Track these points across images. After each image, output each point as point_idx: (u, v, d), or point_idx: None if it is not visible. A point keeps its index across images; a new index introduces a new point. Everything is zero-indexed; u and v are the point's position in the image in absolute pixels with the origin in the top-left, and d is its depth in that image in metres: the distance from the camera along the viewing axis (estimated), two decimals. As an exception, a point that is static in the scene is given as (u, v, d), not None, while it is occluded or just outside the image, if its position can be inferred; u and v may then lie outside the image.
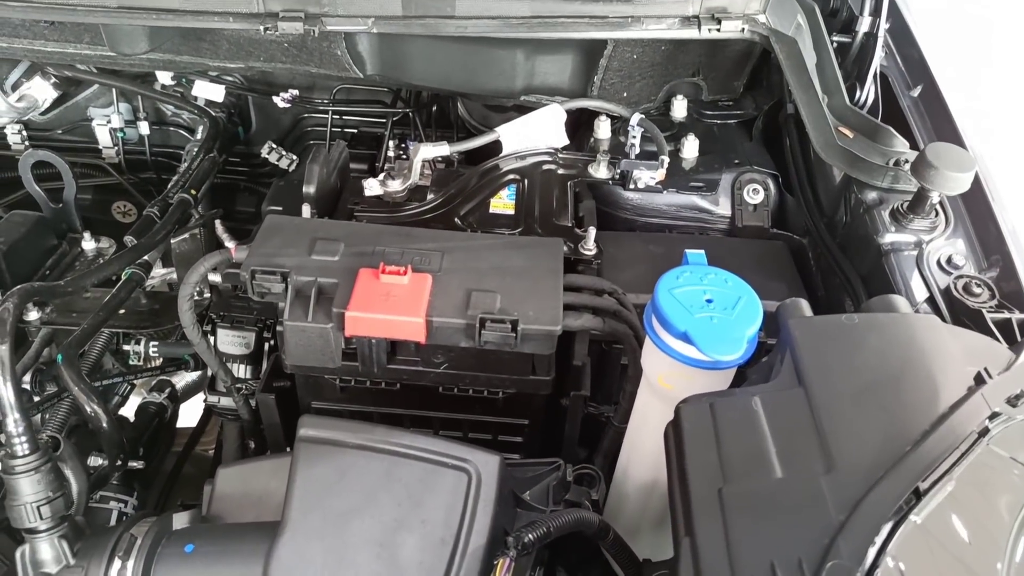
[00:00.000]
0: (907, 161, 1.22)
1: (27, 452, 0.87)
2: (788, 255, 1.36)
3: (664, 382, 0.96)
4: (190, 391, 1.71)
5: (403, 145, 1.84)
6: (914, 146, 1.27)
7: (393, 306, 0.97)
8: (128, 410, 1.55)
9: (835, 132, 1.25)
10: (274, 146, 1.93)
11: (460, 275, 1.03)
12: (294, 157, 1.94)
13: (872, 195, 1.22)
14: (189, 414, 1.72)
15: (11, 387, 0.87)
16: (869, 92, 1.35)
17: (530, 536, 0.86)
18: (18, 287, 0.95)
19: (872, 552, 0.64)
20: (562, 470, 1.03)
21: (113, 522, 1.31)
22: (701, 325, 0.88)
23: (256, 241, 1.06)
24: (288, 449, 1.21)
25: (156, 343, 1.51)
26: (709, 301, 0.91)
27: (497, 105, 1.76)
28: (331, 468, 0.93)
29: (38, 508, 0.87)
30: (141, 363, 1.58)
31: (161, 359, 1.59)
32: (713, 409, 0.82)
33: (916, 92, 1.38)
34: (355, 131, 1.95)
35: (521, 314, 0.98)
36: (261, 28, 1.06)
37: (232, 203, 2.07)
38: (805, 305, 0.91)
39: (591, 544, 1.03)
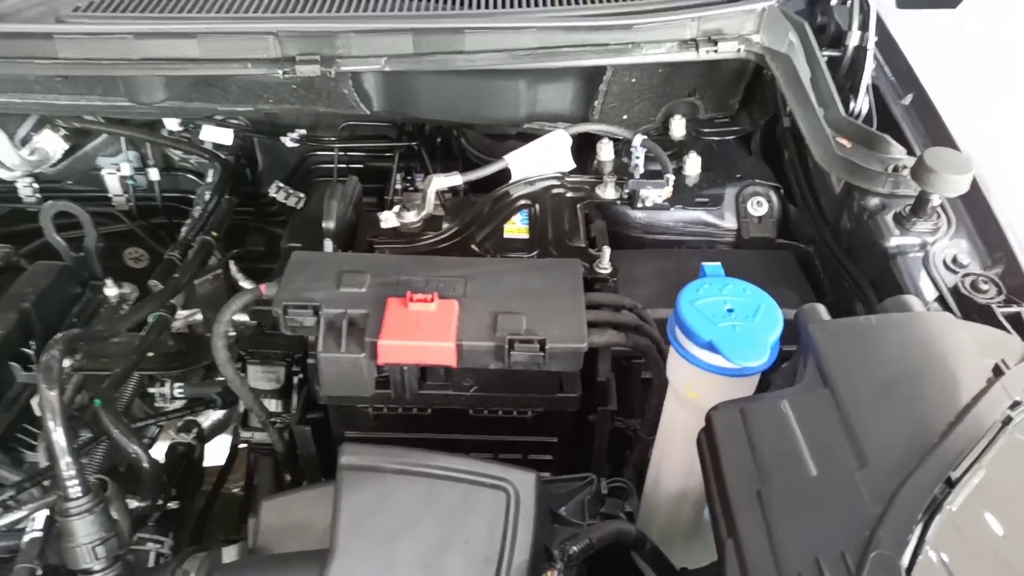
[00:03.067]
0: (905, 167, 1.26)
1: (80, 494, 0.90)
2: (795, 263, 1.40)
3: (691, 392, 0.99)
4: (216, 430, 1.73)
5: (409, 178, 1.89)
6: (910, 152, 1.32)
7: (423, 333, 1.01)
8: (156, 452, 1.57)
9: (834, 143, 1.29)
10: (281, 185, 1.98)
11: (485, 299, 1.07)
12: (301, 195, 1.99)
13: (874, 201, 1.26)
14: (213, 453, 1.74)
15: (62, 430, 0.89)
16: (863, 103, 1.40)
17: (574, 548, 0.88)
18: (61, 335, 0.98)
19: (912, 540, 0.67)
20: (596, 484, 1.06)
21: (151, 563, 1.33)
22: (725, 334, 0.91)
23: (285, 277, 1.09)
24: (324, 479, 1.23)
25: (180, 385, 1.54)
26: (730, 311, 0.94)
27: (499, 134, 1.81)
28: (374, 493, 0.96)
29: (93, 549, 0.90)
30: (167, 405, 1.61)
31: (186, 400, 1.61)
32: (744, 414, 0.85)
33: (907, 100, 1.44)
34: (361, 166, 2.00)
35: (547, 333, 1.02)
36: (280, 72, 1.10)
37: (242, 243, 2.10)
38: (823, 309, 0.95)
39: (624, 558, 1.06)
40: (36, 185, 2.01)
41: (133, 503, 1.21)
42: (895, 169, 1.27)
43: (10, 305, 1.26)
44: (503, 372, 1.05)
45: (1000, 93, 3.62)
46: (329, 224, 1.26)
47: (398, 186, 1.85)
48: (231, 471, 1.70)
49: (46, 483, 1.06)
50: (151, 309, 1.19)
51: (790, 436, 0.81)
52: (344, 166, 1.98)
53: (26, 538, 1.02)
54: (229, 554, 0.96)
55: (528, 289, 1.09)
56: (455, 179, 1.39)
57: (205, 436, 1.60)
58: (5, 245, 1.48)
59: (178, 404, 1.62)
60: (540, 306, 1.06)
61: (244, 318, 1.25)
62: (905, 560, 0.66)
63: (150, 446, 1.56)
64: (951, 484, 0.71)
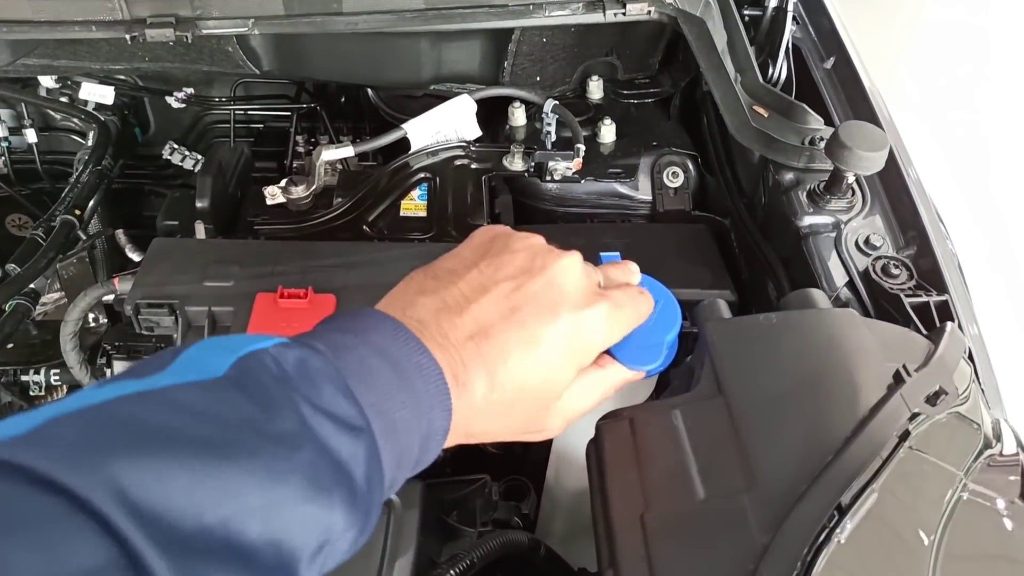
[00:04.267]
0: (822, 139, 1.20)
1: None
2: (710, 238, 1.34)
3: (585, 393, 0.92)
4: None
5: (313, 140, 1.76)
6: (828, 122, 1.25)
7: (294, 333, 0.91)
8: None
9: (749, 112, 1.22)
10: (176, 146, 1.82)
11: (365, 292, 0.98)
12: (199, 156, 1.84)
13: (789, 176, 1.20)
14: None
15: None
16: (782, 67, 1.32)
17: (452, 572, 0.82)
18: None
19: (796, 577, 0.62)
20: (488, 487, 0.99)
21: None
22: (618, 335, 0.84)
23: (142, 269, 0.98)
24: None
25: (57, 371, 1.42)
26: (625, 308, 0.87)
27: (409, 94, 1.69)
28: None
29: None
30: (43, 393, 1.49)
31: (65, 387, 1.50)
32: (633, 425, 0.79)
33: (829, 64, 1.36)
34: (261, 126, 1.86)
35: (432, 331, 0.93)
36: (127, 37, 0.96)
37: (137, 208, 1.95)
38: (724, 306, 0.88)
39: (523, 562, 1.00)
40: (-100, 147, 1.83)
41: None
42: (811, 142, 1.20)
43: None
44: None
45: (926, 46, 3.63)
46: (203, 203, 1.15)
47: (300, 149, 1.73)
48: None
49: None
50: (5, 297, 1.07)
51: (680, 452, 0.75)
52: (243, 125, 1.84)
53: None
54: None
55: (414, 279, 1.00)
56: (347, 150, 1.27)
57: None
58: None
59: (59, 395, 1.51)
60: (426, 299, 0.97)
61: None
62: (787, 600, 0.61)
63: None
64: (841, 511, 0.65)
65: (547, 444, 1.14)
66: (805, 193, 1.16)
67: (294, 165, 1.65)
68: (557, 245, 1.28)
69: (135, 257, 1.70)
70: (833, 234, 1.12)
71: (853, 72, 1.33)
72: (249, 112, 1.82)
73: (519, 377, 0.60)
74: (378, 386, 0.53)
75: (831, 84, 1.34)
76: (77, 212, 1.28)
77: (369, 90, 1.71)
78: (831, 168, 1.15)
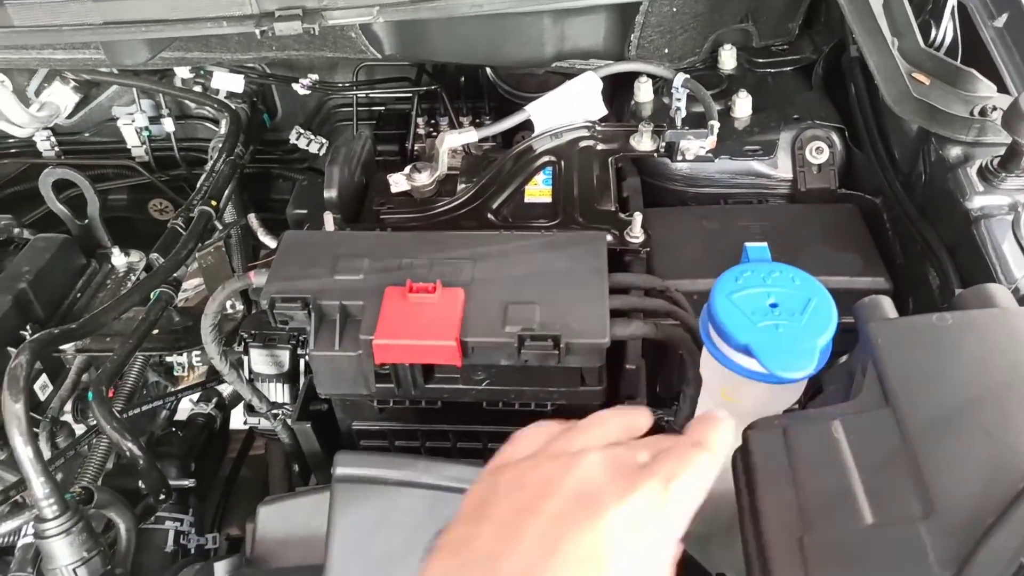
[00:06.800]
0: (995, 108, 1.07)
1: (56, 514, 0.84)
2: (860, 219, 1.23)
3: (726, 396, 0.86)
4: (238, 397, 1.68)
5: (433, 122, 1.75)
6: (1002, 89, 1.11)
7: (424, 329, 0.90)
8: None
9: (909, 81, 1.10)
10: (302, 131, 1.87)
11: (495, 286, 0.95)
12: (324, 140, 1.87)
13: (955, 151, 1.07)
14: (240, 416, 1.70)
15: (31, 449, 0.83)
16: (946, 29, 1.18)
17: None
18: (32, 339, 0.91)
19: (987, 623, 0.55)
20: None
21: (170, 543, 1.29)
22: (765, 336, 0.77)
23: (275, 264, 0.99)
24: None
25: (198, 353, 1.48)
26: (774, 306, 0.80)
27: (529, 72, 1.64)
28: (371, 508, 0.87)
29: (74, 571, 0.84)
30: (185, 374, 1.56)
31: (206, 367, 1.56)
32: (787, 436, 0.72)
33: (1000, 22, 1.21)
34: (383, 108, 1.86)
35: (563, 327, 0.89)
36: (256, 32, 0.97)
37: (267, 192, 2.01)
38: (888, 304, 0.79)
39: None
40: (53, 139, 1.95)
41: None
42: (982, 112, 1.07)
43: (5, 286, 1.20)
44: (518, 366, 0.94)
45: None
46: (331, 194, 1.15)
47: (420, 131, 1.72)
48: (255, 437, 1.65)
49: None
50: (145, 291, 1.11)
51: (842, 469, 0.68)
52: (365, 108, 1.85)
53: (20, 543, 0.98)
54: (222, 569, 0.89)
55: (545, 272, 0.96)
56: (470, 135, 1.24)
57: (226, 404, 1.55)
58: (5, 216, 1.41)
59: (199, 372, 1.58)
60: (557, 292, 0.94)
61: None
62: (979, 651, 0.54)
63: (172, 416, 1.52)
64: (1041, 548, 0.57)
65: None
66: (975, 170, 1.04)
67: (415, 148, 1.64)
68: (690, 230, 1.22)
69: (268, 241, 1.75)
70: (1010, 217, 1.00)
71: (1031, 29, 1.18)
72: (371, 95, 1.82)
73: None
74: None
75: (1003, 45, 1.18)
76: (213, 203, 1.32)
77: (488, 69, 1.67)
78: (1007, 142, 1.02)
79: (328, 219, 1.11)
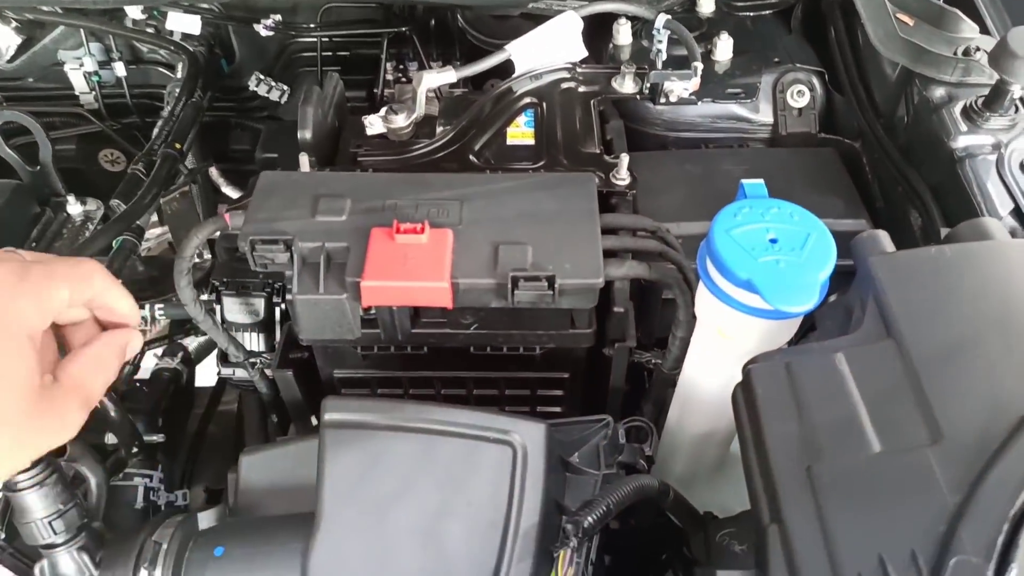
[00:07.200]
0: (978, 49, 1.07)
1: (27, 467, 0.79)
2: (840, 163, 1.23)
3: (723, 333, 0.85)
4: (203, 351, 1.63)
5: (401, 67, 1.69)
6: (984, 30, 1.11)
7: (413, 271, 0.87)
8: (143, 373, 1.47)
9: (895, 21, 1.09)
10: (262, 77, 1.78)
11: (484, 226, 0.92)
12: (285, 87, 1.80)
13: (939, 92, 1.08)
14: (206, 373, 1.65)
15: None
16: (930, -31, 1.18)
17: (590, 519, 0.78)
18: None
19: (999, 544, 0.55)
20: (611, 428, 0.94)
21: (140, 499, 1.26)
22: (766, 271, 0.77)
23: (252, 205, 0.94)
24: (313, 422, 1.13)
25: (161, 306, 1.42)
26: (773, 241, 0.79)
27: (501, 15, 1.59)
28: (363, 453, 0.85)
29: (50, 524, 0.80)
30: (147, 328, 1.50)
31: (168, 321, 1.51)
32: (790, 370, 0.72)
33: (982, -37, 1.21)
34: (347, 53, 1.79)
35: (557, 267, 0.87)
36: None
37: (224, 142, 1.92)
38: (886, 238, 0.79)
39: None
40: (-4, 84, 1.84)
41: (112, 439, 1.13)
42: (965, 52, 1.07)
43: (-45, 234, 1.13)
44: (507, 309, 0.91)
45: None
46: (305, 135, 1.10)
47: (389, 76, 1.67)
48: (224, 392, 1.61)
49: None
50: (108, 238, 1.05)
51: (847, 400, 0.68)
52: (329, 54, 1.78)
53: (-13, 500, 0.93)
54: (206, 519, 0.86)
55: (535, 212, 0.94)
56: (449, 75, 1.20)
57: (192, 359, 1.50)
58: (-51, 162, 1.33)
59: (160, 325, 1.52)
60: (548, 233, 0.91)
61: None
62: (991, 571, 0.54)
63: (135, 372, 1.47)
64: (1050, 470, 0.58)
65: (664, 382, 1.09)
66: (959, 110, 1.04)
67: (387, 98, 1.59)
68: (673, 174, 1.21)
69: (230, 192, 1.69)
70: (993, 156, 1.01)
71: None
72: (335, 39, 1.75)
73: None
74: None
75: (984, -13, 1.19)
76: (178, 146, 1.25)
77: (458, 15, 1.62)
78: (991, 82, 1.03)
79: (304, 160, 1.06)
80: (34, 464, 0.80)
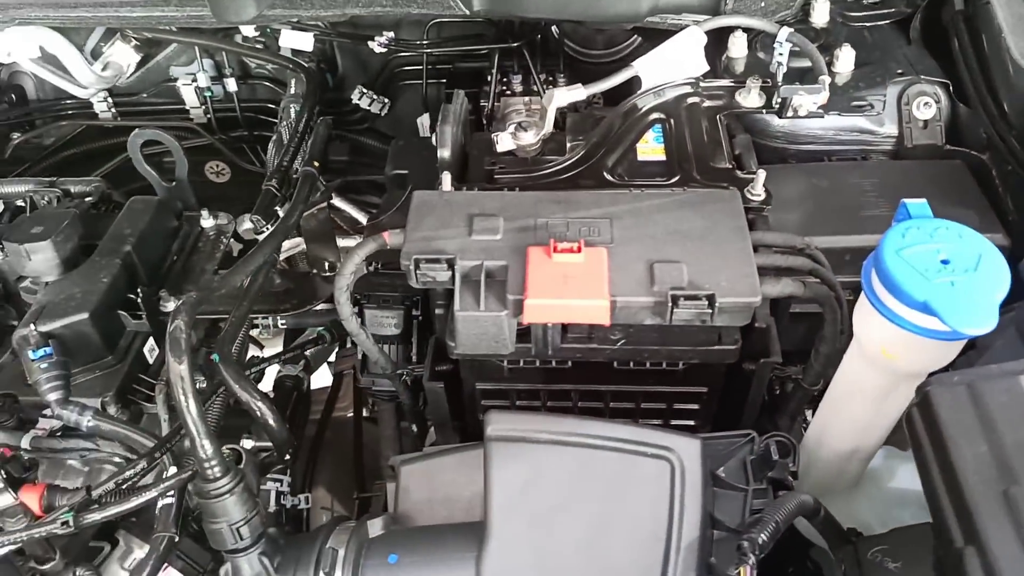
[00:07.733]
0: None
1: (219, 475, 0.84)
2: (970, 175, 1.22)
3: (887, 352, 0.86)
4: (320, 357, 1.68)
5: (505, 80, 1.72)
6: None
7: (573, 288, 0.89)
8: (263, 386, 1.53)
9: (1036, 34, 1.08)
10: (364, 90, 1.84)
11: (636, 245, 0.94)
12: (386, 100, 1.85)
13: (1082, 104, 1.06)
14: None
15: (196, 410, 0.82)
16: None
17: (763, 536, 0.79)
18: (182, 302, 0.90)
19: None
20: (757, 444, 0.95)
21: (273, 503, 1.30)
22: (942, 292, 0.77)
23: (410, 224, 0.98)
24: (455, 424, 1.16)
25: (284, 323, 1.47)
26: (945, 262, 0.79)
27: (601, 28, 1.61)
28: (526, 466, 0.88)
29: (238, 530, 0.85)
30: (270, 336, 1.56)
31: (288, 329, 1.56)
32: (973, 392, 0.72)
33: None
34: (449, 67, 1.83)
35: (714, 285, 0.89)
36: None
37: (323, 154, 1.98)
38: (1061, 259, 0.79)
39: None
40: (111, 100, 1.92)
41: (249, 443, 1.17)
42: (1111, 65, 1.06)
43: (112, 250, 1.19)
44: (656, 325, 0.93)
45: None
46: (444, 153, 1.13)
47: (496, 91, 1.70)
48: (338, 397, 1.65)
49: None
50: (266, 255, 1.10)
51: (1040, 423, 0.68)
52: (431, 67, 1.82)
53: (160, 503, 0.98)
54: (375, 527, 0.90)
55: (683, 230, 0.96)
56: (579, 92, 1.22)
57: (311, 366, 1.55)
58: (96, 179, 1.39)
59: (280, 333, 1.57)
60: (701, 251, 0.93)
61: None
62: None
63: (258, 380, 1.52)
64: None
65: (803, 397, 1.10)
66: (1106, 123, 1.03)
67: (493, 107, 1.62)
68: (801, 188, 1.21)
69: (357, 215, 1.73)
70: None
71: None
72: (436, 54, 1.79)
73: None
74: None
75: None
76: (316, 164, 1.30)
77: (554, 27, 1.64)
78: None
79: (446, 179, 1.09)
80: (224, 472, 0.85)
